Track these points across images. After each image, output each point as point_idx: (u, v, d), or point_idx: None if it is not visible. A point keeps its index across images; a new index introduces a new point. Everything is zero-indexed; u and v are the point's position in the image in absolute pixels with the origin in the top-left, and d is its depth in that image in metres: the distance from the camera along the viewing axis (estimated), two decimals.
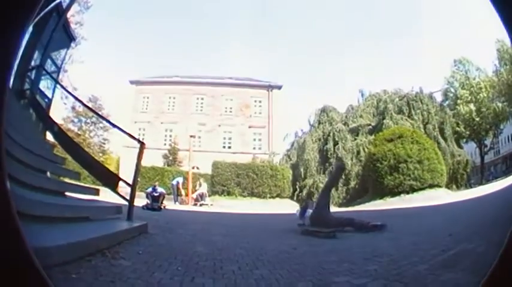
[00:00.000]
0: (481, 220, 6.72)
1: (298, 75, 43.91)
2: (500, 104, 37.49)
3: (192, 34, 44.24)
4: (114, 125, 8.44)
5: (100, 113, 31.98)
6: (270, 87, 42.96)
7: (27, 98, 7.76)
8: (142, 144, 7.96)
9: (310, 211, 9.44)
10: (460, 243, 4.72)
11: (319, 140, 40.39)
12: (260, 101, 42.23)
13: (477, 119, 39.02)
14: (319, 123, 43.01)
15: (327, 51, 40.62)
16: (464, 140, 41.29)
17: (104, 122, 35.61)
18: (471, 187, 33.13)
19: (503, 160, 47.89)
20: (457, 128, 39.80)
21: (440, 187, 28.09)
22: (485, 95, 38.80)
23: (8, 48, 1.08)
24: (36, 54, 8.02)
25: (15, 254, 1.46)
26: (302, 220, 9.36)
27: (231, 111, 40.80)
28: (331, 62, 40.64)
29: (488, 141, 42.72)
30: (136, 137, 8.90)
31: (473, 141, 41.99)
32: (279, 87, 43.74)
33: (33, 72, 8.24)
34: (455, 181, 36.28)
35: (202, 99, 41.46)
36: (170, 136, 38.23)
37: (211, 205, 23.62)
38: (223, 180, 29.24)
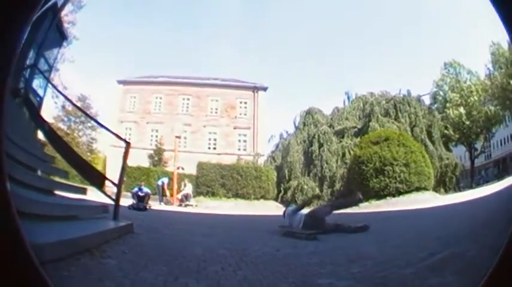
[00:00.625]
0: (471, 223, 6.82)
1: (283, 77, 43.96)
2: (492, 108, 37.60)
3: (180, 35, 44.10)
4: (101, 125, 8.55)
5: (88, 112, 31.83)
6: (255, 89, 42.94)
7: (21, 96, 7.81)
8: (128, 144, 8.05)
9: (301, 213, 9.56)
10: (448, 247, 4.81)
11: (304, 142, 40.46)
12: (245, 103, 42.23)
13: (467, 122, 39.14)
14: (304, 125, 43.05)
15: (313, 53, 40.73)
16: (454, 143, 41.47)
17: (92, 121, 35.47)
18: (460, 191, 33.31)
19: (495, 164, 48.10)
20: (446, 131, 39.96)
21: (427, 190, 28.24)
22: (476, 98, 38.92)
23: (7, 49, 1.15)
24: (30, 53, 8.06)
25: (14, 252, 1.53)
26: (289, 219, 9.47)
27: (216, 112, 40.76)
28: (317, 63, 40.76)
29: (479, 145, 42.96)
30: (123, 137, 8.98)
31: (463, 145, 42.11)
32: (265, 89, 43.75)
33: (28, 71, 8.28)
34: (443, 184, 36.47)
35: (188, 99, 41.34)
36: (156, 136, 38.10)
37: (196, 205, 23.66)
38: (207, 181, 29.24)
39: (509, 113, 37.60)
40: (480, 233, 5.35)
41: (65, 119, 39.86)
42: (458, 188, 37.22)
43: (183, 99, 41.38)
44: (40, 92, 9.06)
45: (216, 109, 40.79)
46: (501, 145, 48.02)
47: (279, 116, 47.53)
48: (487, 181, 36.73)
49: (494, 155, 49.21)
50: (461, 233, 5.63)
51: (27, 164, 5.34)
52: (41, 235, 3.21)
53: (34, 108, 8.48)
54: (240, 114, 41.58)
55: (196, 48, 44.88)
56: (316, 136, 39.31)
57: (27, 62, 7.94)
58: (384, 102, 41.18)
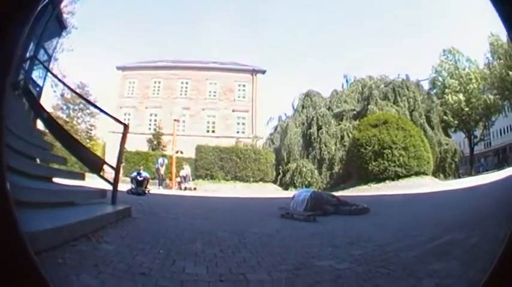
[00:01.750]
0: (473, 210, 6.79)
1: (282, 60, 43.85)
2: (491, 96, 37.60)
3: (178, 19, 43.94)
4: (99, 109, 8.51)
5: (87, 99, 31.85)
6: (254, 72, 42.78)
7: (20, 88, 7.77)
8: (126, 126, 8.00)
9: (306, 194, 9.56)
10: (448, 232, 4.79)
11: (303, 124, 40.37)
12: (244, 85, 42.08)
13: (466, 109, 39.08)
14: (303, 107, 42.90)
15: (312, 37, 40.62)
16: (453, 129, 41.41)
17: (91, 107, 35.48)
18: (460, 177, 33.30)
19: (495, 153, 48.17)
20: (445, 117, 39.85)
21: (426, 174, 28.27)
22: (475, 86, 38.87)
23: (9, 45, 1.13)
24: (30, 45, 8.00)
25: (7, 243, 1.52)
26: (294, 201, 9.48)
27: (214, 95, 40.66)
28: (316, 47, 40.65)
29: (478, 133, 42.90)
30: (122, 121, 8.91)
31: (462, 132, 42.06)
32: (263, 72, 43.60)
33: (27, 62, 8.24)
34: (442, 169, 36.46)
35: (186, 83, 41.20)
36: (155, 121, 38.05)
37: (195, 188, 23.68)
38: (206, 164, 29.23)
39: (509, 103, 37.64)
40: (482, 220, 5.34)
41: (64, 107, 39.95)
42: (458, 174, 37.27)
43: (182, 83, 41.25)
44: (39, 82, 9.03)
45: (215, 92, 40.67)
46: (501, 134, 48.06)
47: (277, 98, 47.53)
48: (486, 169, 36.77)
49: (494, 144, 49.29)
50: (463, 220, 5.61)
51: (25, 153, 5.33)
52: (37, 222, 3.21)
53: (33, 97, 8.44)
54: (239, 97, 41.46)
55: (194, 32, 44.68)
56: (315, 119, 39.17)
57: (27, 54, 7.89)
58: (382, 86, 40.98)
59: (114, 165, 7.85)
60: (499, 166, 34.26)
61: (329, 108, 41.32)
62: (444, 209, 8.38)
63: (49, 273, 2.45)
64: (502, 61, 35.41)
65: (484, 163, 45.22)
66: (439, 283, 2.53)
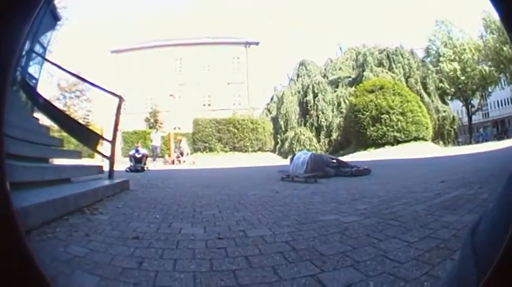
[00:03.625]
0: (478, 171, 6.66)
1: (275, 30, 43.88)
2: (487, 68, 37.88)
3: None
4: (94, 85, 8.26)
5: (82, 86, 31.86)
6: (247, 44, 42.77)
7: (18, 83, 7.59)
8: (120, 98, 7.83)
9: (306, 156, 9.43)
10: (456, 189, 4.65)
11: (299, 92, 40.41)
12: (238, 58, 42.06)
13: (462, 77, 39.40)
14: (298, 76, 42.96)
15: (304, 7, 40.45)
16: (450, 97, 41.71)
17: (86, 86, 35.56)
18: (459, 145, 33.45)
19: (494, 124, 48.80)
20: (441, 85, 40.06)
21: (425, 140, 28.38)
22: (469, 56, 39.13)
23: (9, 47, 1.02)
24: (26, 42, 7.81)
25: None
26: (293, 164, 9.33)
27: (209, 70, 40.64)
28: (308, 17, 40.56)
29: (475, 102, 43.29)
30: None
31: (459, 100, 42.45)
32: (256, 44, 43.55)
33: (24, 57, 8.08)
34: (441, 137, 36.70)
35: (180, 60, 41.29)
36: (151, 99, 38.18)
37: (194, 163, 23.53)
38: (204, 136, 29.17)
39: (504, 76, 37.96)
40: (491, 179, 5.22)
41: (61, 97, 40.34)
42: (457, 142, 37.55)
43: (176, 59, 41.34)
44: (35, 74, 8.89)
45: (209, 66, 40.67)
46: (499, 106, 48.55)
47: (272, 69, 47.78)
48: (486, 139, 37.04)
49: (492, 115, 49.80)
50: (469, 179, 5.47)
51: (21, 138, 5.16)
52: (30, 199, 3.05)
53: (30, 87, 8.27)
54: (233, 69, 41.50)
55: (186, 7, 44.55)
56: (311, 86, 39.22)
57: (25, 49, 7.71)
58: (376, 53, 41.00)
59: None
60: (499, 137, 34.63)
61: (324, 76, 41.34)
62: (448, 170, 8.25)
63: (39, 248, 2.32)
64: (495, 36, 35.66)
65: (483, 133, 45.71)
66: (456, 234, 2.36)
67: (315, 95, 38.78)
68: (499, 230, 0.57)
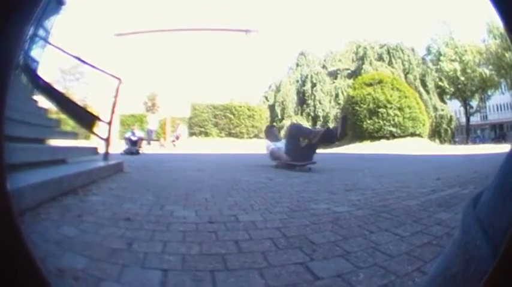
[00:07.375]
0: (474, 171, 6.64)
1: (276, 19, 44.01)
2: (487, 71, 37.96)
3: None
4: (94, 67, 8.21)
5: (83, 68, 31.84)
6: (247, 31, 42.72)
7: (20, 66, 7.52)
8: (119, 80, 7.81)
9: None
10: (451, 187, 4.64)
11: (297, 82, 40.46)
12: (238, 45, 42.16)
13: (462, 78, 39.50)
14: (297, 65, 42.98)
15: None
16: (448, 96, 41.84)
17: (86, 66, 35.55)
18: (455, 144, 33.57)
19: (492, 127, 49.02)
20: (440, 83, 40.18)
21: (422, 137, 28.43)
22: (470, 58, 39.19)
23: (15, 31, 1.00)
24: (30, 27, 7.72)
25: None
26: (272, 150, 9.20)
27: (209, 56, 40.73)
28: (311, 8, 40.60)
29: (474, 104, 43.46)
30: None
31: (458, 100, 42.58)
32: (257, 31, 43.52)
33: (28, 41, 8.02)
34: (438, 134, 36.86)
35: (181, 46, 41.35)
36: (150, 82, 38.32)
37: (189, 147, 23.49)
38: (200, 121, 29.15)
39: (505, 81, 38.05)
40: (486, 181, 5.18)
41: (61, 79, 40.37)
42: (453, 141, 37.69)
43: (177, 46, 41.34)
44: (37, 57, 8.83)
45: (209, 53, 40.77)
46: (498, 110, 48.73)
47: (271, 57, 47.88)
48: (483, 141, 37.18)
49: (491, 118, 49.98)
50: (464, 178, 5.45)
51: (19, 119, 5.12)
52: (24, 179, 3.03)
53: (32, 71, 8.21)
54: (233, 57, 41.60)
55: None
56: (309, 76, 39.28)
57: (28, 34, 7.62)
58: (377, 47, 41.07)
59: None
60: (496, 140, 34.79)
61: (323, 67, 41.38)
62: (443, 168, 8.25)
63: (30, 229, 2.31)
64: (497, 41, 35.69)
65: (480, 134, 45.92)
66: (449, 233, 2.36)
67: (313, 85, 38.81)
68: (504, 198, 0.55)
